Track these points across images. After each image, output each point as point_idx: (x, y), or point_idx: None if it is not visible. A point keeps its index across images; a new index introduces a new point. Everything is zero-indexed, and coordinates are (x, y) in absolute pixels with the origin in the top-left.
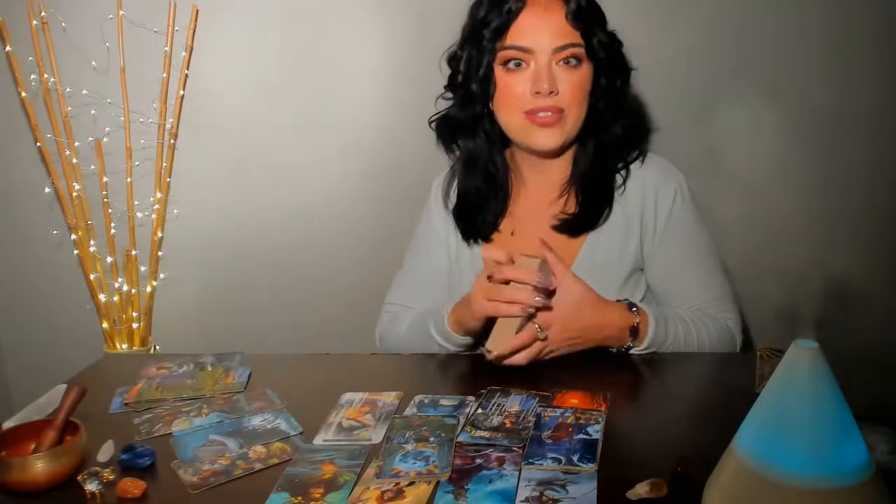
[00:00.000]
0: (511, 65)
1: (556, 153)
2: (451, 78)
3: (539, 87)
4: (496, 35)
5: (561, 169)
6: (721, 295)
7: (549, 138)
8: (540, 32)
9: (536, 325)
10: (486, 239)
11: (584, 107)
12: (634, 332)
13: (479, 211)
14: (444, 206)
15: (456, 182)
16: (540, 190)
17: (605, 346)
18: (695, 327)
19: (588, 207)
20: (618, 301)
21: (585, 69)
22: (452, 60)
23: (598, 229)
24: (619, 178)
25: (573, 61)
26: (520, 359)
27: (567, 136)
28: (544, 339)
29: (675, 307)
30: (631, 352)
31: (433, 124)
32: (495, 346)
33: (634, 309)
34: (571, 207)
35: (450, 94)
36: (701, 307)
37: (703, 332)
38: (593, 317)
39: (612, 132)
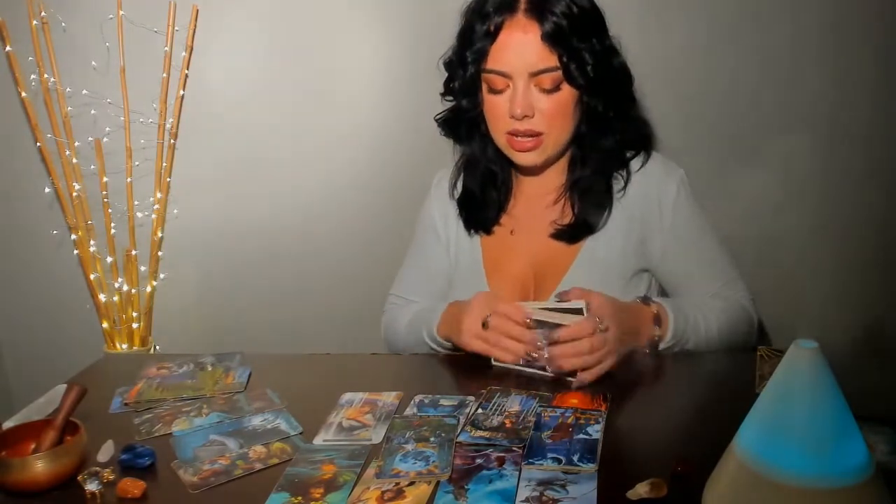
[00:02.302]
0: (492, 88)
1: (543, 168)
2: (447, 82)
3: (513, 112)
4: (479, 57)
5: (556, 174)
6: (732, 277)
7: (529, 159)
8: (517, 56)
9: (596, 318)
10: (488, 232)
11: (565, 126)
12: (657, 320)
13: (482, 205)
14: (450, 196)
15: (462, 176)
16: (537, 192)
17: (638, 346)
18: (712, 313)
19: (584, 216)
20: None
21: (567, 91)
22: (448, 65)
23: (597, 233)
24: (619, 182)
25: (550, 85)
26: (584, 361)
27: (549, 155)
28: (605, 330)
29: (690, 297)
30: (660, 347)
31: (439, 120)
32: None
33: (649, 302)
34: (568, 216)
35: (449, 96)
36: (716, 292)
37: (723, 318)
38: (625, 311)
39: (600, 146)
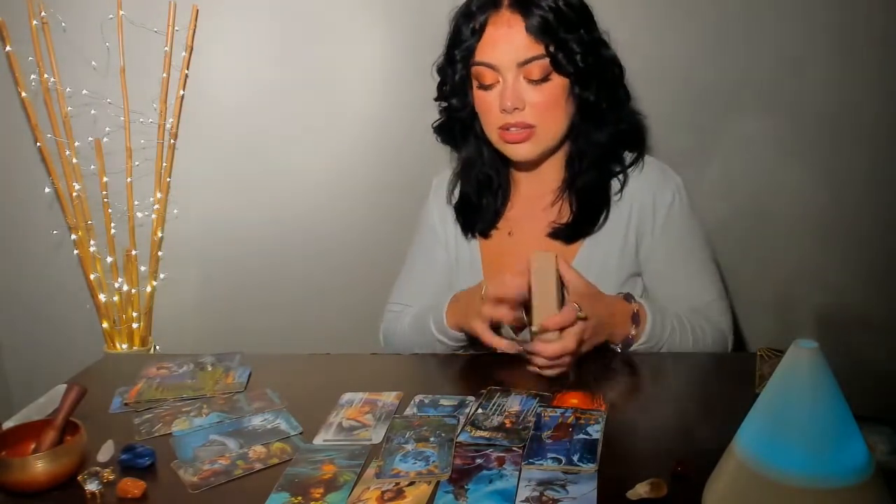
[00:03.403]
0: (482, 83)
1: (538, 162)
2: (439, 87)
3: (504, 105)
4: (467, 54)
5: (553, 174)
6: (716, 298)
7: (522, 153)
8: (504, 49)
9: (575, 304)
10: (485, 236)
11: (558, 119)
12: (635, 319)
13: (479, 209)
14: (448, 202)
15: (459, 182)
16: (534, 192)
17: (609, 341)
18: (690, 326)
19: (582, 216)
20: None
21: (557, 82)
22: (440, 71)
23: (595, 235)
24: (616, 184)
25: (538, 74)
26: (567, 344)
27: (543, 148)
28: (584, 319)
29: (672, 307)
30: (632, 347)
31: (435, 128)
32: (537, 320)
33: (631, 300)
34: (565, 216)
35: (442, 100)
36: (696, 309)
37: (699, 333)
38: (602, 306)
39: (594, 140)
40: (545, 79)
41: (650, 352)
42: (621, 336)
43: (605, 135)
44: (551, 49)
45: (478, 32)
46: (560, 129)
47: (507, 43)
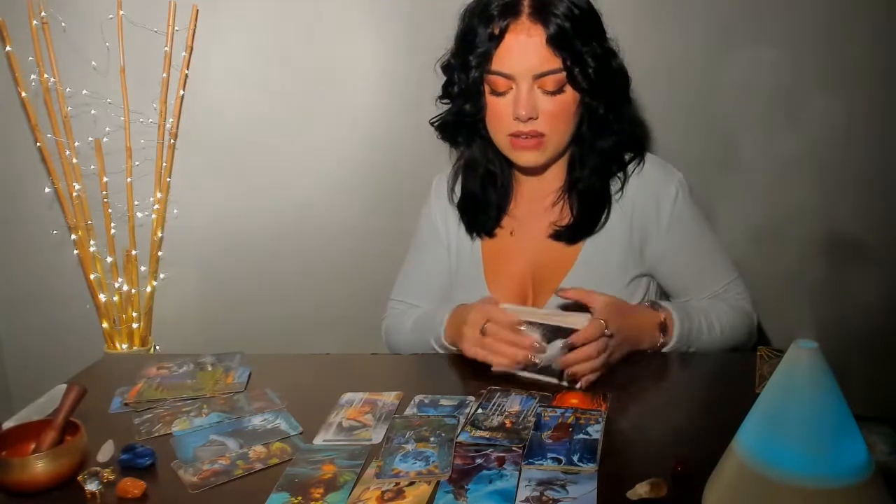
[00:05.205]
0: (495, 90)
1: (544, 168)
2: (446, 86)
3: (518, 114)
4: (482, 60)
5: (555, 175)
6: (732, 279)
7: (531, 159)
8: (521, 58)
9: (602, 321)
10: (489, 234)
11: (567, 128)
12: (663, 328)
13: (483, 208)
14: (449, 200)
15: (460, 179)
16: (536, 193)
17: (639, 349)
18: (715, 315)
19: (583, 217)
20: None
21: (569, 93)
22: (446, 69)
23: (597, 234)
24: (617, 183)
25: (553, 87)
26: (588, 352)
27: (550, 156)
28: (610, 336)
29: (691, 299)
30: (665, 349)
31: (435, 125)
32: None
33: (658, 308)
34: (566, 217)
35: (447, 100)
36: (717, 295)
37: (725, 320)
38: (629, 315)
39: (598, 147)
40: (559, 90)
41: (681, 351)
42: (649, 344)
43: (608, 142)
44: (568, 63)
45: (496, 39)
46: (567, 137)
47: (525, 53)
